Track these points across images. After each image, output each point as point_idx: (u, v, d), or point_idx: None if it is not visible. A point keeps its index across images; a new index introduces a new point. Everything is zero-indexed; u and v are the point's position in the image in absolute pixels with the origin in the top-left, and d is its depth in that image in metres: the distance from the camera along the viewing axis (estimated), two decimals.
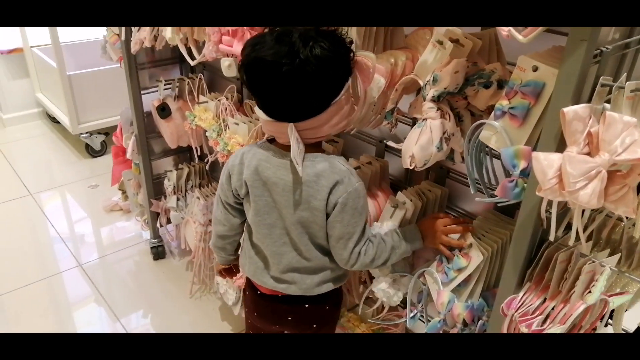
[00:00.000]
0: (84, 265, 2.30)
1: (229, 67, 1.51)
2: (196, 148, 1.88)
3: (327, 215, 1.06)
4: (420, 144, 0.90)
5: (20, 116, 3.56)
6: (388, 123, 1.07)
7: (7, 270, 2.24)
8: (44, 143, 3.38)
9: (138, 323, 2.03)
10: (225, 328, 1.98)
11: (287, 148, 1.01)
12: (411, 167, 0.93)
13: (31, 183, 2.89)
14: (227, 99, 1.62)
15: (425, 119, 0.91)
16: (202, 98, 1.70)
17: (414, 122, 1.24)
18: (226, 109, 1.62)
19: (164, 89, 1.87)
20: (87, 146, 3.13)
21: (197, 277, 2.03)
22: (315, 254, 1.12)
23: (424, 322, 1.17)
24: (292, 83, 0.93)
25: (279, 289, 1.17)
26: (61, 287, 2.20)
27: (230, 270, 1.37)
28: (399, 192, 1.18)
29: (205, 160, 1.85)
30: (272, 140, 1.10)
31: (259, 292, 1.23)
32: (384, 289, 1.17)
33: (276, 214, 1.09)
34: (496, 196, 0.94)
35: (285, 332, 1.28)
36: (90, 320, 2.05)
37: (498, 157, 0.99)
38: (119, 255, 2.37)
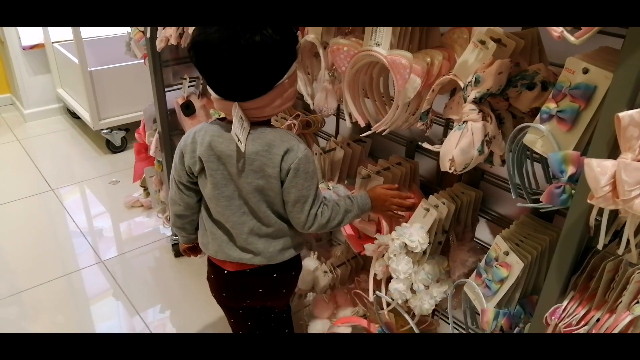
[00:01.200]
0: (106, 261, 2.31)
1: None
2: None
3: (282, 182, 1.13)
4: (460, 147, 0.87)
5: (40, 111, 3.58)
6: (423, 124, 1.04)
7: (28, 266, 2.25)
8: (64, 138, 3.40)
9: (158, 320, 2.03)
10: None
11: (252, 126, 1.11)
12: (450, 171, 0.90)
13: (52, 178, 2.90)
14: None
15: (465, 121, 0.88)
16: None
17: (447, 122, 1.22)
18: None
19: (188, 87, 1.86)
20: (108, 142, 3.14)
21: None
22: (274, 220, 1.18)
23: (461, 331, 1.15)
24: (234, 66, 1.00)
25: (245, 259, 1.21)
26: (82, 284, 2.20)
27: (195, 248, 1.38)
28: (431, 195, 1.15)
29: None
30: (223, 119, 1.15)
31: (225, 272, 1.27)
32: (399, 290, 1.15)
33: (233, 185, 1.15)
34: (538, 201, 0.91)
35: (256, 304, 1.36)
36: (110, 315, 2.06)
37: (538, 161, 0.97)
38: (139, 251, 2.38)
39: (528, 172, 0.95)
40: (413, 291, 1.11)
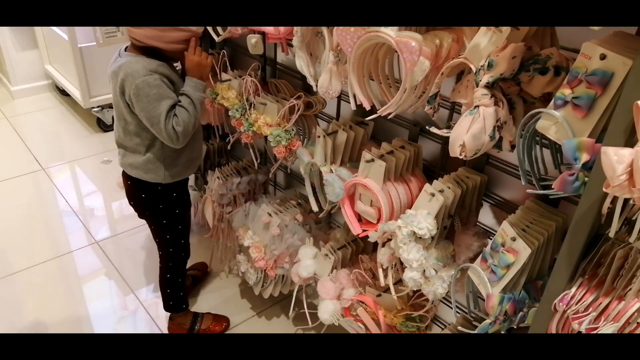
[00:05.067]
0: (99, 241, 2.29)
1: (255, 45, 1.47)
2: (217, 127, 1.84)
3: (130, 106, 1.34)
4: (472, 132, 0.86)
5: (29, 88, 3.50)
6: (430, 108, 1.03)
7: (21, 247, 2.23)
8: (54, 116, 3.34)
9: (152, 299, 2.02)
10: (244, 306, 1.98)
11: (131, 50, 1.36)
12: (461, 157, 0.89)
13: (43, 157, 2.85)
14: (251, 77, 1.57)
15: (477, 106, 0.86)
16: (224, 76, 1.65)
17: (453, 106, 1.20)
18: (250, 87, 1.57)
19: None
20: (99, 120, 3.09)
21: (216, 256, 2.02)
22: (129, 136, 1.42)
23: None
24: None
25: (119, 158, 1.51)
26: (76, 264, 2.19)
27: None
28: (436, 180, 1.14)
29: (227, 140, 1.81)
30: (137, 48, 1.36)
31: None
32: (414, 278, 1.15)
33: (114, 99, 1.40)
34: (547, 187, 0.90)
35: (131, 204, 1.62)
36: (105, 294, 2.07)
37: (547, 146, 0.96)
38: (133, 231, 2.36)
39: (537, 158, 0.94)
40: (425, 277, 1.11)
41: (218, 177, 1.83)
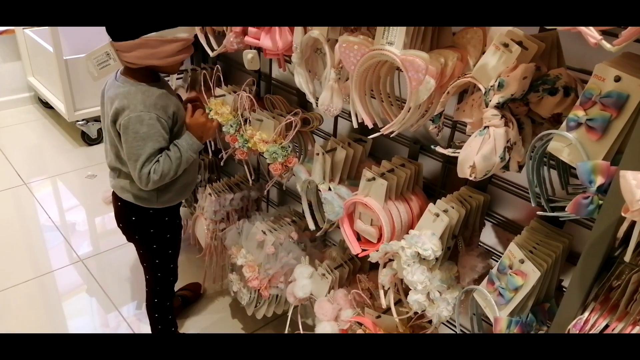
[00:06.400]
0: (83, 258, 2.22)
1: (251, 60, 1.44)
2: (210, 142, 1.80)
3: (119, 135, 1.32)
4: (482, 153, 0.84)
5: (10, 100, 3.42)
6: (435, 127, 1.01)
7: (1, 266, 2.14)
8: (36, 129, 3.26)
9: (135, 315, 1.96)
10: (235, 326, 1.93)
11: (126, 73, 1.32)
12: (471, 178, 0.87)
13: (25, 172, 2.77)
14: (246, 92, 1.54)
15: (487, 127, 0.85)
16: (218, 91, 1.62)
17: (455, 125, 1.19)
18: (245, 103, 1.54)
19: (176, 79, 1.78)
20: (83, 134, 3.02)
21: (208, 275, 1.97)
22: (122, 162, 1.39)
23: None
24: None
25: (109, 180, 1.49)
26: (58, 282, 2.11)
27: None
28: (439, 200, 1.12)
29: (220, 156, 1.77)
30: (127, 74, 1.34)
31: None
32: (419, 301, 1.12)
33: (104, 122, 1.38)
34: (556, 209, 0.89)
35: (121, 227, 1.58)
36: (87, 310, 2.00)
37: (554, 167, 0.95)
38: (117, 247, 2.29)
39: (545, 178, 0.92)
40: (429, 299, 1.08)
41: (210, 194, 1.79)
